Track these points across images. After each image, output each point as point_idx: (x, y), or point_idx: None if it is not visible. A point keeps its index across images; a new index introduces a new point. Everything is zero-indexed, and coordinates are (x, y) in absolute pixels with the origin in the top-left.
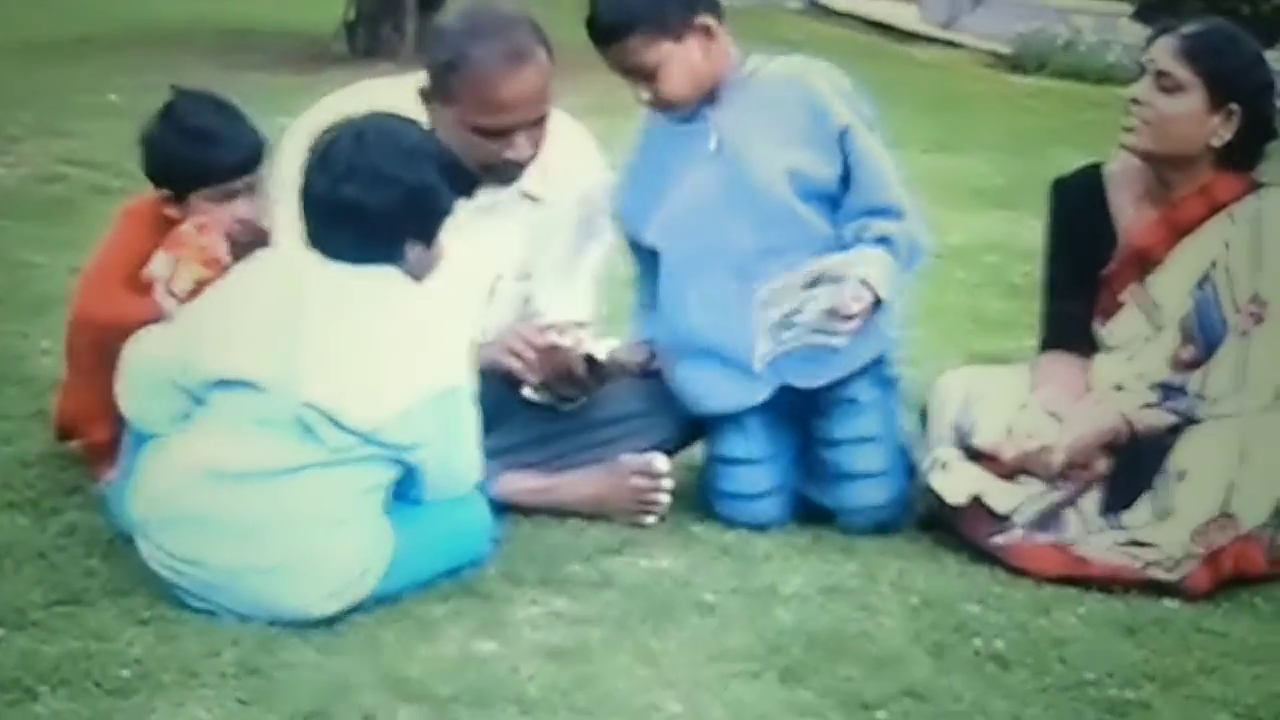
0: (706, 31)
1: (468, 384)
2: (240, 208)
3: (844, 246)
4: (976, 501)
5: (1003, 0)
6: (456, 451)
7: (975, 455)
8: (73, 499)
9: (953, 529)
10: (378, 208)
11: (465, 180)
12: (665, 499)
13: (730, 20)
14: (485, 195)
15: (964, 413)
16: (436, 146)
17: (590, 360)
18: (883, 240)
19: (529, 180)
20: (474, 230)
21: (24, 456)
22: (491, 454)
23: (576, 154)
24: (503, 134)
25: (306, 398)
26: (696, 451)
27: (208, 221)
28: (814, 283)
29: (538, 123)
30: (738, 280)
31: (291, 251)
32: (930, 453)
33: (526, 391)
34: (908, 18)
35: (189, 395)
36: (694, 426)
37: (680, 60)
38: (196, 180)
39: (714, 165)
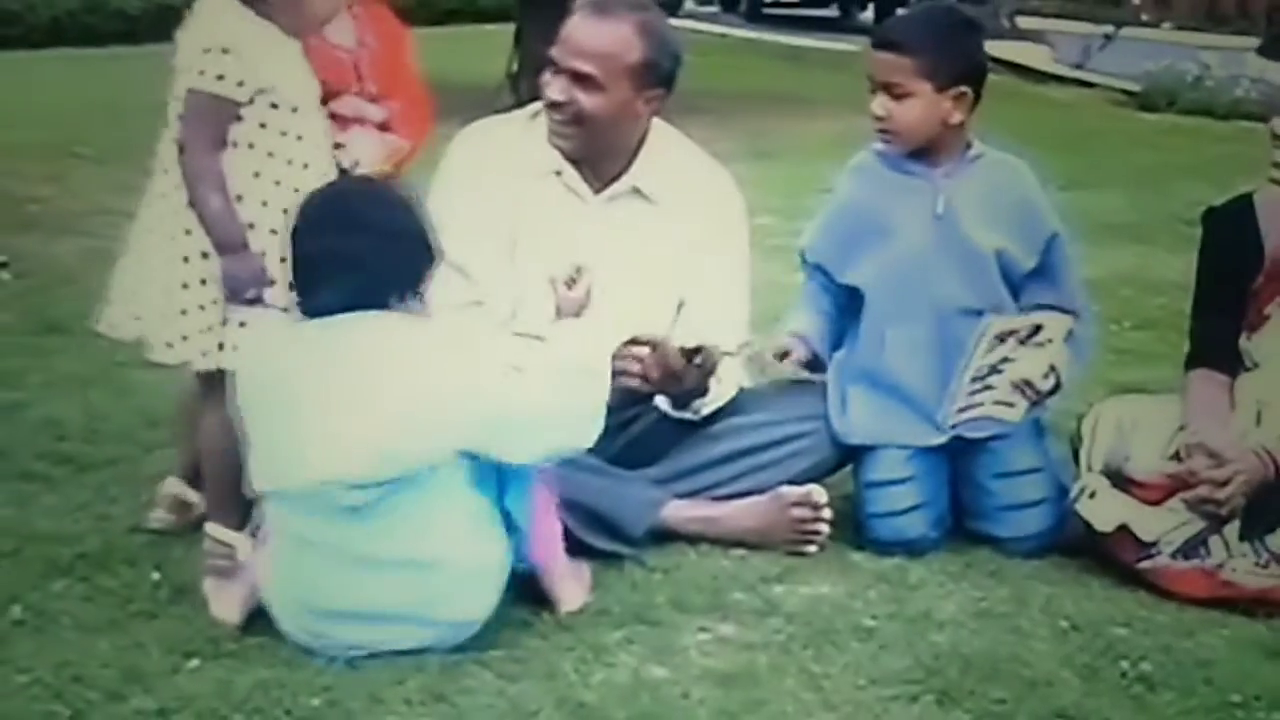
0: (962, 100)
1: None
2: None
3: None
4: (1123, 528)
5: (1132, 39)
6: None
7: (1122, 483)
8: None
9: (1100, 554)
10: (359, 253)
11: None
12: (825, 529)
13: None
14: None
15: (1118, 442)
16: (418, 203)
17: (685, 352)
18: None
19: (642, 178)
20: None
21: None
22: (657, 482)
23: (697, 168)
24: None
25: (324, 476)
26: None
27: None
28: (1006, 336)
29: (574, 76)
30: (936, 329)
31: (272, 329)
32: (1079, 480)
33: (662, 404)
34: (1041, 58)
35: None
36: (846, 452)
37: (928, 106)
38: None
39: (936, 226)
